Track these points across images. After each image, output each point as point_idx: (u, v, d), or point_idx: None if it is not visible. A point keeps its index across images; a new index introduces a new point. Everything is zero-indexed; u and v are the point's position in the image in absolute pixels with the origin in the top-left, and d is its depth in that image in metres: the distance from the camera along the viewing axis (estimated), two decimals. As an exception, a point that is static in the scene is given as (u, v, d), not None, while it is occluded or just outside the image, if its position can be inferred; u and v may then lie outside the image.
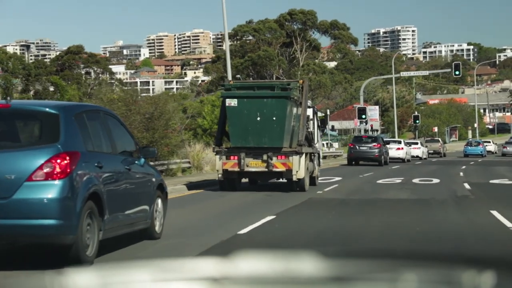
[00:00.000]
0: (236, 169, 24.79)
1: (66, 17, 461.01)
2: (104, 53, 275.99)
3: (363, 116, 61.75)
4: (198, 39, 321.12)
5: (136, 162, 12.15)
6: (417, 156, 62.16)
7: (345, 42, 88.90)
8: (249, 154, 24.66)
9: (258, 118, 24.28)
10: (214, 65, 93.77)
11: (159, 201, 13.11)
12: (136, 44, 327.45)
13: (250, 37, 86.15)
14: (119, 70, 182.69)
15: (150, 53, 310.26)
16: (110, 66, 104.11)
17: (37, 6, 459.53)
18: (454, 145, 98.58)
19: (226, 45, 38.01)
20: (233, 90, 24.45)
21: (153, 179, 12.85)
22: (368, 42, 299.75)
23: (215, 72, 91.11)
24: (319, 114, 33.17)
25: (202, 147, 37.99)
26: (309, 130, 27.98)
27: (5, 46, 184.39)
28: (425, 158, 64.01)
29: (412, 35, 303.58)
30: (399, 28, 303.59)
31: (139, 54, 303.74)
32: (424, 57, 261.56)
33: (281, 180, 26.16)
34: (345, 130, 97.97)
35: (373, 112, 78.60)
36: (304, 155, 25.01)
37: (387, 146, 51.52)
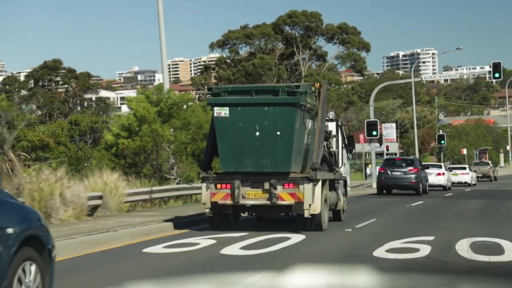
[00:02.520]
0: (229, 201, 18.48)
1: (83, 43, 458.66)
2: (119, 79, 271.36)
3: (374, 133, 48.17)
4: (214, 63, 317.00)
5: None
6: (465, 182, 56.46)
7: (356, 48, 75.95)
8: (246, 182, 18.38)
9: (257, 133, 18.00)
10: (201, 76, 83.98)
11: (31, 268, 6.93)
12: (150, 70, 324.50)
13: (244, 45, 74.13)
14: (129, 94, 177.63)
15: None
16: (121, 91, 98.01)
17: (52, 32, 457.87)
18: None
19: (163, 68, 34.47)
20: (223, 96, 18.17)
21: (9, 230, 6.69)
22: (387, 65, 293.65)
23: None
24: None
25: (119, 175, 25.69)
26: (331, 150, 21.63)
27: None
28: (474, 184, 57.81)
29: (432, 58, 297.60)
30: (418, 51, 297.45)
31: (154, 79, 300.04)
32: (445, 80, 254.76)
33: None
34: (358, 154, 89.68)
35: (390, 131, 69.15)
36: (320, 182, 18.65)
37: (426, 171, 43.94)
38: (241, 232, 18.45)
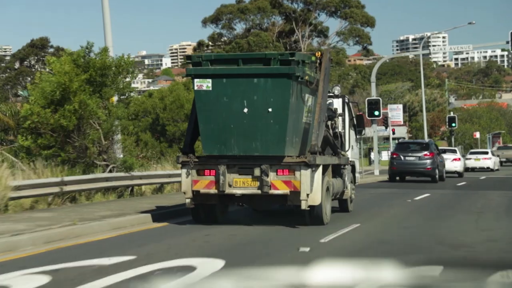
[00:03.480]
0: (213, 190, 15.69)
1: (90, 28, 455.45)
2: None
3: (376, 113, 41.78)
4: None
5: None
6: (488, 168, 53.07)
7: (359, 23, 68.44)
8: (233, 168, 15.60)
9: (245, 110, 15.20)
10: (194, 54, 78.04)
11: None
12: (157, 54, 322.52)
13: (238, 21, 67.06)
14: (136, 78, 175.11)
15: (172, 62, 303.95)
16: None
17: (59, 16, 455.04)
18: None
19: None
20: (205, 65, 15.33)
21: None
22: (397, 49, 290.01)
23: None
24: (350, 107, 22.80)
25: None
26: (336, 131, 18.81)
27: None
28: (497, 169, 54.34)
29: (443, 41, 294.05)
30: (428, 34, 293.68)
31: (161, 64, 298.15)
32: (456, 64, 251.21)
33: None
34: (365, 139, 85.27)
35: (396, 112, 64.28)
36: (320, 168, 15.84)
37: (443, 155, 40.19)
38: (227, 226, 15.71)
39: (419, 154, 36.57)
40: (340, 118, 19.55)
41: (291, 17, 65.71)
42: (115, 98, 23.94)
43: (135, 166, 24.49)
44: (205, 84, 15.28)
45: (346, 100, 20.54)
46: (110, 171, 23.29)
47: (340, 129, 19.49)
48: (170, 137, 38.72)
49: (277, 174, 15.43)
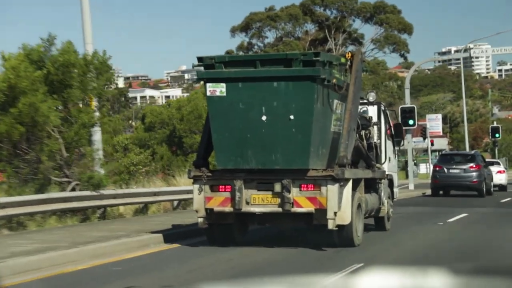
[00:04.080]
0: (228, 208, 13.94)
1: (132, 45, 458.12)
2: (166, 78, 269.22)
3: (410, 122, 36.85)
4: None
5: None
6: None
7: (396, 30, 63.75)
8: (250, 183, 13.84)
9: (264, 118, 13.44)
10: None
11: None
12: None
13: (269, 29, 63.13)
14: (175, 93, 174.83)
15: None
16: (166, 89, 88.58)
17: (105, 35, 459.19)
18: None
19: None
20: (218, 68, 13.62)
21: None
22: (439, 61, 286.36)
23: None
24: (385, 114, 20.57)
25: None
26: (371, 141, 16.94)
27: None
28: None
29: (486, 51, 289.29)
30: (471, 46, 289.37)
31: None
32: (500, 75, 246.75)
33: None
34: (403, 151, 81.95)
35: (435, 123, 61.05)
36: (350, 183, 14.00)
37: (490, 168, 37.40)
38: (244, 248, 13.96)
39: (465, 167, 34.12)
40: (375, 127, 17.68)
41: (324, 24, 62.62)
42: (94, 103, 20.25)
43: (105, 183, 20.18)
44: (219, 89, 13.58)
45: (382, 108, 18.67)
46: (73, 189, 19.22)
47: (375, 139, 17.59)
48: (188, 150, 36.90)
49: (300, 190, 13.64)
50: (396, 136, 19.92)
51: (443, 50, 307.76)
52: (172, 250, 14.35)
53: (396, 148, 20.30)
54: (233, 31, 63.80)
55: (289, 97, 13.30)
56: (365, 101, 17.60)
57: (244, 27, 63.47)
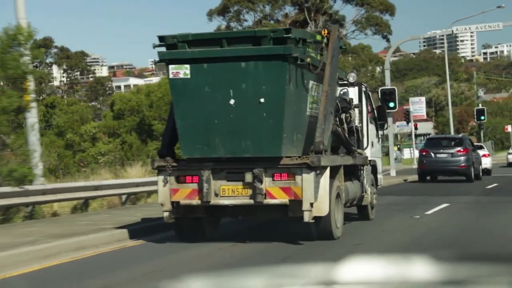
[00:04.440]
0: (196, 201, 12.80)
1: (114, 34, 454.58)
2: (151, 66, 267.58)
3: (391, 105, 34.45)
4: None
5: None
6: None
7: (378, 11, 60.90)
8: (219, 173, 12.71)
9: (232, 101, 12.31)
10: None
11: None
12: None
13: (246, 12, 60.73)
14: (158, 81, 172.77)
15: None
16: (150, 78, 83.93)
17: (87, 23, 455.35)
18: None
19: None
20: (181, 47, 12.45)
21: None
22: (424, 45, 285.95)
23: None
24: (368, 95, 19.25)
25: None
26: (352, 125, 15.86)
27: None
28: None
29: (471, 36, 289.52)
30: (456, 28, 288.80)
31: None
32: (485, 58, 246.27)
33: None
34: (386, 137, 79.51)
35: (418, 106, 58.89)
36: (328, 170, 12.88)
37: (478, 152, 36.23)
38: (211, 243, 12.83)
39: (452, 151, 32.87)
40: (356, 110, 16.52)
41: (303, 6, 60.47)
42: (30, 84, 17.49)
43: (31, 177, 17.67)
44: (182, 71, 12.41)
45: (364, 89, 17.53)
46: None
47: (356, 123, 16.47)
48: (158, 138, 35.31)
49: (273, 180, 12.51)
50: (380, 119, 18.82)
51: (428, 34, 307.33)
52: (94, 258, 13.20)
53: (380, 132, 19.19)
54: (210, 14, 61.77)
55: (259, 79, 12.15)
56: (345, 82, 16.55)
57: (222, 10, 61.47)
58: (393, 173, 39.68)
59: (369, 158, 16.79)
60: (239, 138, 12.36)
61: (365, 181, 16.35)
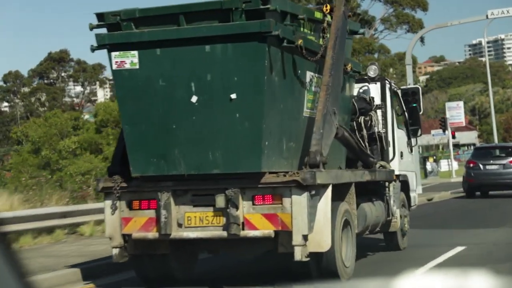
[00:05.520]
0: (152, 234, 9.56)
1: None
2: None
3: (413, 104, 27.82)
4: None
5: None
6: None
7: (410, 8, 55.05)
8: (183, 196, 9.51)
9: (194, 99, 9.08)
10: None
11: None
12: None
13: None
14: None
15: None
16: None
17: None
18: None
19: None
20: (126, 28, 9.27)
21: None
22: (470, 54, 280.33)
23: None
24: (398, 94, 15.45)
25: None
26: (374, 131, 12.65)
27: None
28: None
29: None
30: (502, 37, 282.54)
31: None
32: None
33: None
34: (426, 147, 73.63)
35: (456, 112, 53.34)
36: (329, 190, 9.56)
37: None
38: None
39: (504, 162, 28.55)
40: (379, 111, 13.18)
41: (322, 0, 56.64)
42: None
43: None
44: (129, 60, 9.22)
45: (390, 86, 14.14)
46: None
47: (380, 128, 13.12)
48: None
49: (254, 204, 9.24)
50: (412, 123, 15.29)
51: (473, 42, 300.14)
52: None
53: (412, 140, 15.64)
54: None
55: (229, 67, 8.91)
56: (364, 77, 13.33)
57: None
58: (419, 190, 34.72)
59: (396, 172, 13.42)
60: (205, 149, 9.11)
61: (391, 202, 12.99)
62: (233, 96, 8.87)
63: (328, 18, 10.62)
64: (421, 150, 69.46)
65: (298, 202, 9.01)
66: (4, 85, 72.34)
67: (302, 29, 9.99)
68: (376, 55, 55.37)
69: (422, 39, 55.47)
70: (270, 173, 9.17)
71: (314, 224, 9.21)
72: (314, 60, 9.95)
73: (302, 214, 9.01)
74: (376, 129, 12.93)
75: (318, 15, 10.50)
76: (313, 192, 9.16)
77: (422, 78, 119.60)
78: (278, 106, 9.23)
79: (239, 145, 8.97)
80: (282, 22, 9.19)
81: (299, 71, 9.80)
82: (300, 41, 9.45)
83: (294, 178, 9.02)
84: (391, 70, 58.41)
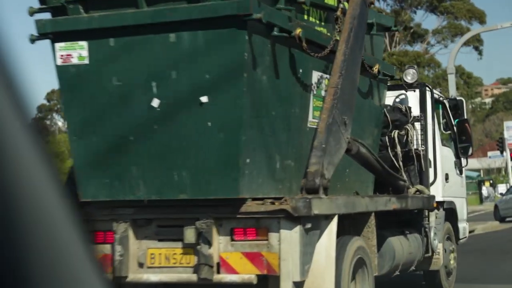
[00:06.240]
0: (107, 274, 7.44)
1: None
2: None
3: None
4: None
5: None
6: None
7: (465, 19, 51.20)
8: (145, 226, 7.43)
9: (155, 103, 6.99)
10: None
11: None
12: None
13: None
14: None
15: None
16: None
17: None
18: None
19: None
20: (73, 12, 7.28)
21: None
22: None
23: None
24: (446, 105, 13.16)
25: None
26: (409, 147, 10.72)
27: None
28: None
29: None
30: None
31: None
32: None
33: None
34: (488, 170, 69.81)
35: None
36: (333, 222, 7.39)
37: None
38: None
39: None
40: (417, 124, 11.02)
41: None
42: None
43: None
44: (76, 53, 7.23)
45: (435, 94, 11.89)
46: None
47: (418, 144, 10.97)
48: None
49: (232, 239, 7.12)
50: (461, 140, 12.92)
51: (510, 24, 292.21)
52: None
53: (461, 160, 13.25)
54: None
55: (199, 62, 6.85)
56: (399, 83, 11.37)
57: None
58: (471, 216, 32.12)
59: (439, 198, 11.23)
60: (169, 167, 7.04)
61: (432, 235, 10.78)
62: (204, 99, 6.79)
63: (345, 5, 8.55)
64: (482, 174, 65.87)
65: (288, 238, 6.87)
66: (48, 103, 71.80)
67: (307, 17, 7.92)
68: (425, 70, 52.58)
69: (480, 52, 52.57)
70: (254, 199, 7.05)
71: (311, 267, 7.06)
72: (321, 56, 7.83)
73: (293, 253, 6.85)
74: (413, 146, 10.84)
75: (330, 1, 8.40)
76: (309, 226, 7.00)
77: (488, 100, 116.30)
78: (266, 114, 7.12)
79: (211, 163, 6.87)
80: (273, 5, 7.12)
81: (301, 70, 7.70)
82: (298, 31, 7.34)
83: (283, 207, 6.86)
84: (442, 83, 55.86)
